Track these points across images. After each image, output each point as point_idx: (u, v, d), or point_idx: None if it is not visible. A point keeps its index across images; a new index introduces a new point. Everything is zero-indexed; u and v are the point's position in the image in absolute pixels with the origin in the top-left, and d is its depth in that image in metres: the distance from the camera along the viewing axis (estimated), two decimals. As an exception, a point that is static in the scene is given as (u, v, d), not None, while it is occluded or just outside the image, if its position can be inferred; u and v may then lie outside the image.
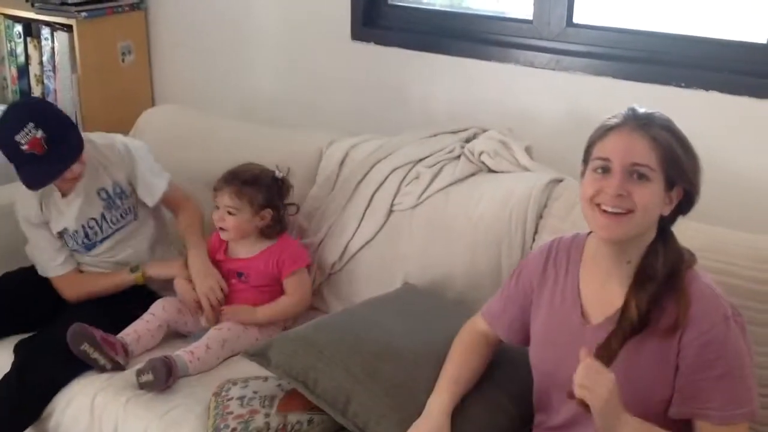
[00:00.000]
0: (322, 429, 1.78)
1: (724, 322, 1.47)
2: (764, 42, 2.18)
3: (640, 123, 1.48)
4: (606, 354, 1.48)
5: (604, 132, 1.51)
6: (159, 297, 2.37)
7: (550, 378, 1.64)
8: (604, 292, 1.58)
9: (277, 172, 2.39)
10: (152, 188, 2.43)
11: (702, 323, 1.47)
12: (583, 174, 1.57)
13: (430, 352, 1.82)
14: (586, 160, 1.56)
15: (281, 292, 2.34)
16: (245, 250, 2.36)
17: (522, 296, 1.72)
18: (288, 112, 3.06)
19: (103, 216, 2.37)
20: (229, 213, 2.30)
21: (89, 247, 2.40)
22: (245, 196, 2.29)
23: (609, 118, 1.54)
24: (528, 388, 1.74)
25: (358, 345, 1.81)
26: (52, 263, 2.38)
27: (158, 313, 2.28)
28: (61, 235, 2.38)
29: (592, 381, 1.41)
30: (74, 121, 2.98)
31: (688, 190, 1.52)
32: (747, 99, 2.16)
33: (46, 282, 2.39)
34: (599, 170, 1.50)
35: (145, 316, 2.27)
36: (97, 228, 2.38)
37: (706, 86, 2.22)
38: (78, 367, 2.12)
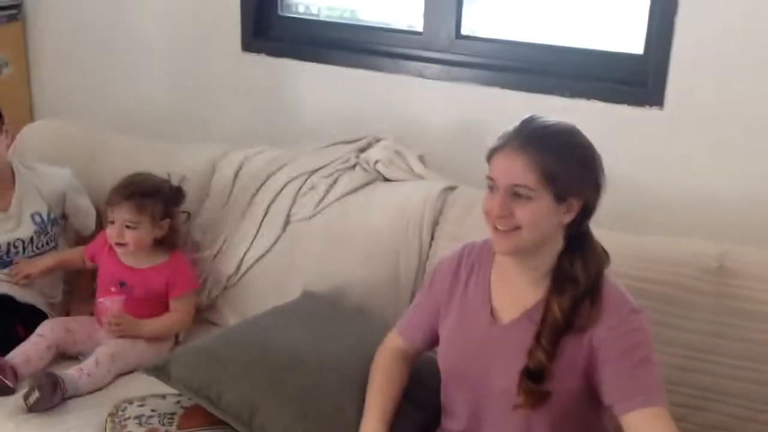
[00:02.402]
0: (226, 443, 1.75)
1: (632, 314, 1.53)
2: (641, 53, 2.29)
3: (521, 142, 1.50)
4: (542, 352, 1.51)
5: (491, 152, 1.55)
6: (45, 316, 2.29)
7: (458, 377, 1.67)
8: (513, 293, 1.61)
9: (172, 181, 2.34)
10: (88, 218, 2.49)
11: (610, 318, 1.52)
12: None
13: (334, 360, 1.82)
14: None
15: (164, 308, 2.28)
16: (136, 259, 2.30)
17: (435, 302, 1.74)
18: (179, 126, 3.01)
19: (31, 239, 2.34)
20: (128, 227, 2.24)
21: (4, 265, 2.33)
22: (146, 210, 2.23)
23: (499, 133, 1.56)
24: (434, 394, 1.75)
25: (261, 356, 1.78)
26: None
27: (46, 333, 2.18)
28: None
29: None
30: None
31: (585, 201, 1.55)
32: (626, 107, 2.28)
33: None
34: (489, 188, 1.55)
35: (33, 337, 2.17)
36: (21, 249, 2.33)
37: (588, 95, 2.32)
38: None
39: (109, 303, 2.21)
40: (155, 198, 2.26)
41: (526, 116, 1.57)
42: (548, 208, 1.51)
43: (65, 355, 2.22)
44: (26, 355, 2.11)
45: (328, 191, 2.35)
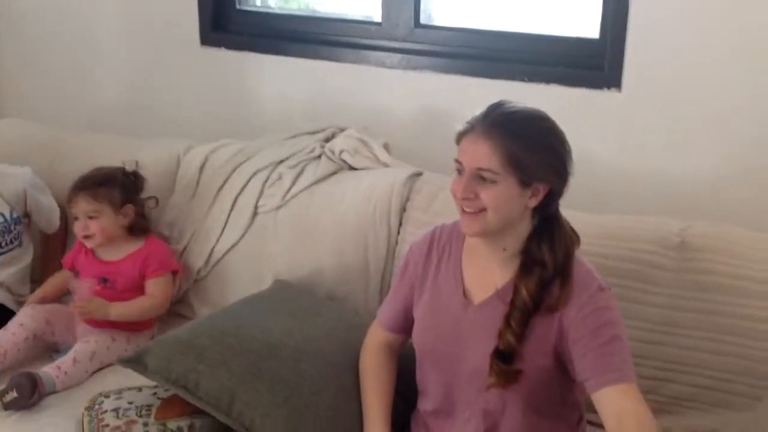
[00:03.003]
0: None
1: (599, 292, 1.57)
2: (597, 37, 2.34)
3: (485, 128, 1.53)
4: (511, 333, 1.54)
5: (459, 135, 1.57)
6: (12, 314, 2.27)
7: (432, 358, 1.69)
8: (484, 274, 1.64)
9: (126, 167, 2.35)
10: (51, 215, 2.50)
11: (579, 298, 1.55)
12: None
13: (309, 347, 1.84)
14: None
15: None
16: (112, 252, 2.30)
17: (409, 286, 1.76)
18: (141, 122, 2.99)
19: None
20: (90, 218, 2.24)
21: None
22: (102, 197, 2.24)
23: (469, 119, 1.58)
24: (410, 374, 1.78)
25: (237, 344, 1.79)
26: None
27: (27, 322, 2.18)
28: None
29: None
30: None
31: (551, 185, 1.57)
32: (584, 90, 2.32)
33: None
34: (457, 172, 1.57)
35: (11, 326, 2.16)
36: None
37: (547, 80, 2.36)
38: None
39: (81, 285, 2.20)
40: (110, 185, 2.27)
41: (495, 102, 1.58)
42: (513, 191, 1.53)
43: (43, 353, 2.22)
44: (2, 348, 2.10)
45: (294, 181, 2.36)
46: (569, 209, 1.79)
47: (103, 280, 2.26)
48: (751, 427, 1.78)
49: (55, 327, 2.24)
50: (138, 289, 2.28)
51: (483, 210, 1.54)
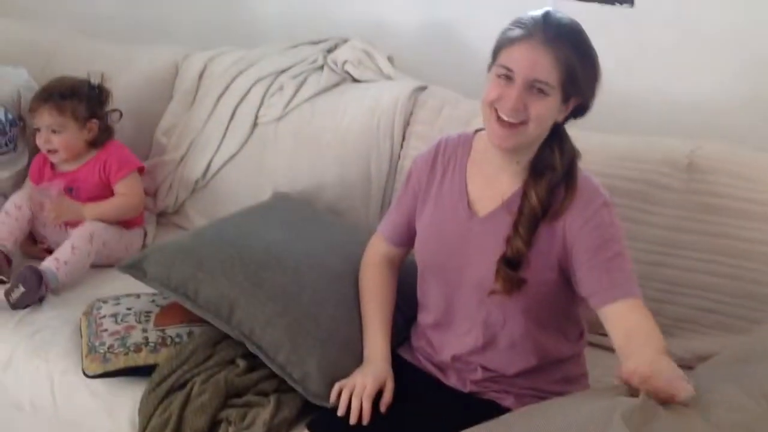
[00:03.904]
0: (204, 340, 1.74)
1: (604, 207, 1.55)
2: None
3: (548, 37, 1.47)
4: (520, 239, 1.53)
5: (512, 40, 1.50)
6: None
7: (434, 270, 1.68)
8: (491, 186, 1.62)
9: (92, 80, 2.28)
10: None
11: (586, 210, 1.53)
12: (489, 71, 1.56)
13: (311, 258, 1.82)
14: (493, 62, 1.54)
15: None
16: (72, 164, 2.25)
17: (413, 198, 1.73)
18: (133, 29, 2.90)
19: None
20: (54, 132, 2.18)
21: None
22: (67, 111, 2.18)
23: (518, 22, 1.51)
24: (409, 289, 1.77)
25: (238, 253, 1.77)
26: None
27: (23, 205, 2.16)
28: None
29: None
30: None
31: (583, 101, 1.56)
32: (596, 5, 2.24)
33: None
34: (503, 77, 1.50)
35: (7, 206, 2.15)
36: None
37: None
38: None
39: (46, 190, 2.17)
40: (74, 98, 2.20)
41: (544, 9, 1.52)
42: (556, 105, 1.51)
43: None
44: (13, 236, 2.09)
45: (296, 92, 2.32)
46: (575, 128, 1.76)
47: (69, 190, 2.22)
48: (749, 349, 1.79)
49: (48, 234, 2.21)
50: (103, 192, 2.24)
51: (524, 123, 1.50)
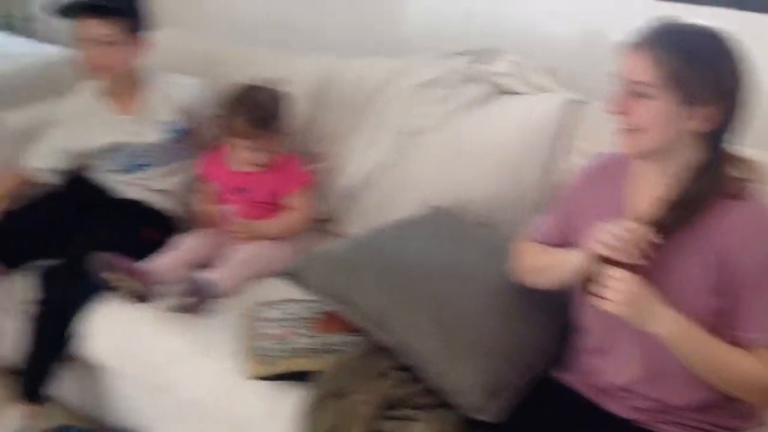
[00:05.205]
0: (361, 350, 1.77)
1: None
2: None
3: (646, 39, 1.46)
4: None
5: (620, 48, 1.50)
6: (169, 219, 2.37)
7: None
8: (647, 201, 1.56)
9: (282, 91, 2.34)
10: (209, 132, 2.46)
11: (749, 235, 1.46)
12: None
13: (466, 270, 1.82)
14: None
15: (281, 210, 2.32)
16: (245, 165, 2.32)
17: (567, 215, 1.71)
18: (280, 37, 2.97)
19: (161, 147, 2.37)
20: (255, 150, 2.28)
21: (133, 169, 2.38)
22: (274, 137, 2.28)
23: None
24: (562, 310, 1.74)
25: (393, 264, 1.78)
26: None
27: (192, 248, 2.23)
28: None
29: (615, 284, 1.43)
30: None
31: (723, 110, 1.47)
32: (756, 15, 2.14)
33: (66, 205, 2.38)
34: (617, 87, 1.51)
35: (181, 247, 2.23)
36: (152, 155, 2.37)
37: (740, 5, 2.15)
38: (103, 294, 2.09)
39: (227, 210, 2.26)
40: (279, 120, 2.30)
41: (664, 17, 1.50)
42: (670, 110, 1.45)
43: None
44: (165, 266, 2.15)
45: (448, 103, 2.31)
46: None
47: (240, 190, 2.30)
48: None
49: (210, 251, 2.26)
50: (275, 202, 2.31)
51: (638, 129, 1.48)
